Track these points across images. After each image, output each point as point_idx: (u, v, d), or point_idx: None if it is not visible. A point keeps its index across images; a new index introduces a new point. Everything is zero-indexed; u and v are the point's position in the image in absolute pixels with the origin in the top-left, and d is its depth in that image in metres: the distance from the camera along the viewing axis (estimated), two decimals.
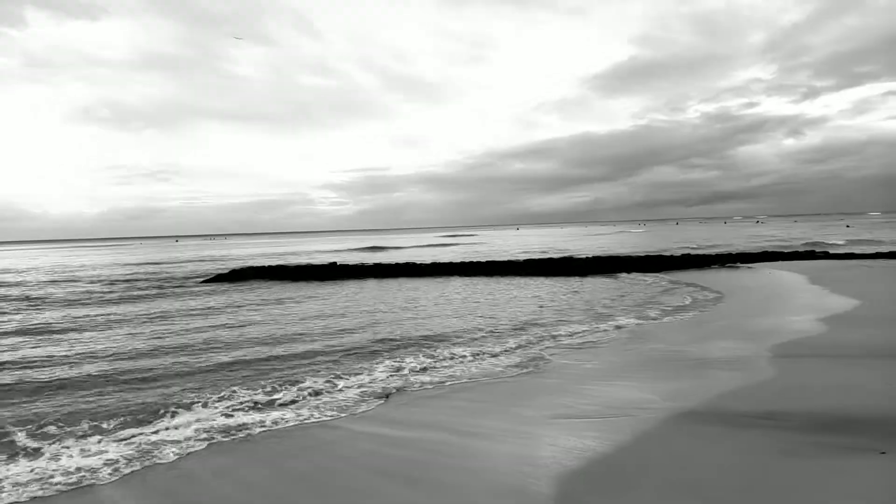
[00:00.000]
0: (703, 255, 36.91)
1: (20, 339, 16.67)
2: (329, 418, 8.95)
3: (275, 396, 10.16)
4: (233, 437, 8.20)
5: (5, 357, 14.14)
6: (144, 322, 19.36)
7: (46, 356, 14.05)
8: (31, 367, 12.97)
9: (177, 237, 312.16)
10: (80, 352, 14.51)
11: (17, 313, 22.35)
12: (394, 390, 10.40)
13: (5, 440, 8.34)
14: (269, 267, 37.65)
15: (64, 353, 14.32)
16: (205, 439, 8.15)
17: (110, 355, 13.96)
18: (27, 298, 27.58)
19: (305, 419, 8.93)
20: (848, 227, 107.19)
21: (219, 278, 35.79)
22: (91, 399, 10.33)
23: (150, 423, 8.91)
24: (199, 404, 9.75)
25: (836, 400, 8.36)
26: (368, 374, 11.54)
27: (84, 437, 8.35)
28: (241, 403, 9.80)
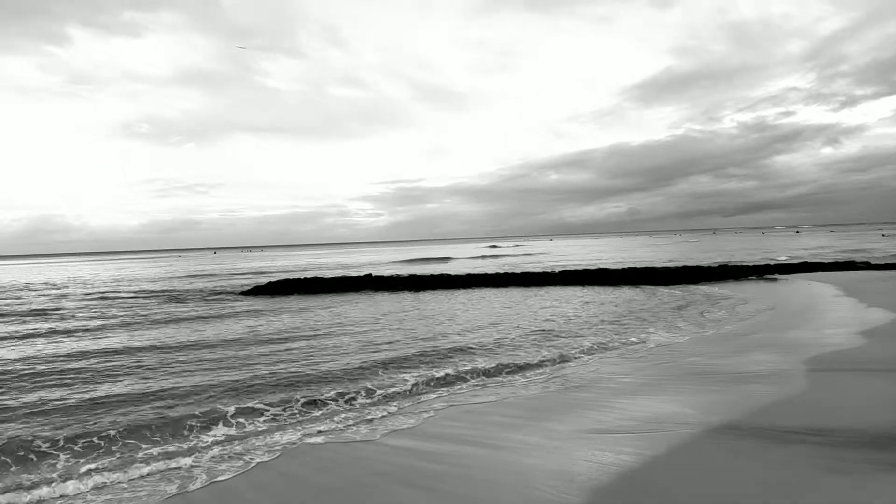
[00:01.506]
0: (741, 266, 36.34)
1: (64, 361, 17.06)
2: (360, 433, 9.02)
3: (307, 412, 10.31)
4: (269, 454, 8.34)
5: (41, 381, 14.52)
6: (181, 337, 19.71)
7: (84, 376, 14.43)
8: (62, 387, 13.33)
9: (215, 249, 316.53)
10: (116, 366, 14.88)
11: (67, 332, 22.89)
12: (426, 405, 10.49)
13: (36, 466, 8.60)
14: (305, 279, 38.04)
15: (100, 366, 14.71)
16: (239, 454, 8.32)
17: (142, 368, 14.26)
18: (73, 315, 28.29)
19: (337, 434, 9.03)
20: (884, 235, 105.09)
21: (256, 291, 36.33)
22: (126, 418, 10.59)
23: (185, 440, 9.03)
24: (234, 421, 9.91)
25: (880, 415, 8.15)
26: (402, 387, 11.63)
27: (121, 457, 8.48)
28: (275, 419, 9.97)
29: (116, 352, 16.55)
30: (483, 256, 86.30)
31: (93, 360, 15.27)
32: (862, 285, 25.47)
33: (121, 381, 12.92)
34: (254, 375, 13.01)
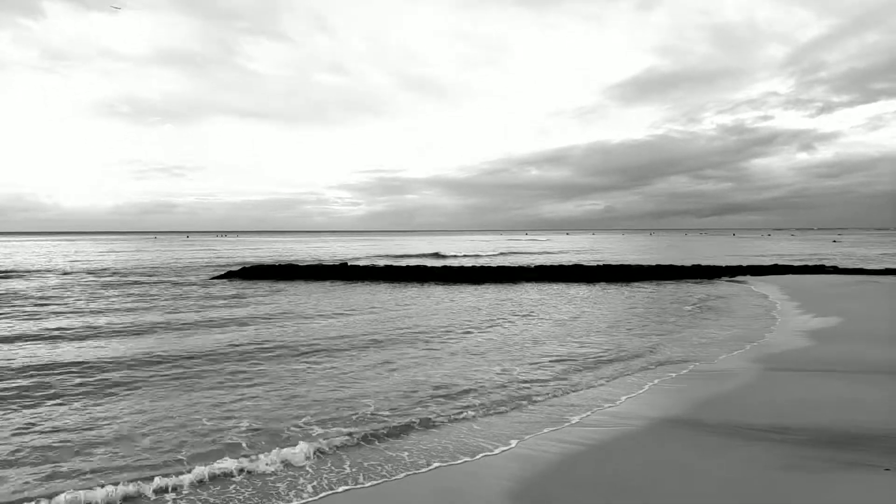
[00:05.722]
0: (713, 267, 36.91)
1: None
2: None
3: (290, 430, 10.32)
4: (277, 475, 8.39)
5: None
6: (148, 326, 19.48)
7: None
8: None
9: (188, 233, 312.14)
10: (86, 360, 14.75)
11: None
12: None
13: None
14: (280, 266, 37.80)
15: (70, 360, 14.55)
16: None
17: (108, 360, 14.17)
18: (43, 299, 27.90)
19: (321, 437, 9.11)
20: (835, 241, 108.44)
21: (230, 275, 36.08)
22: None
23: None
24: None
25: (837, 415, 8.39)
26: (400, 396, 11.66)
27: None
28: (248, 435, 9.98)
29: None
30: (507, 253, 75.92)
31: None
32: (822, 289, 25.90)
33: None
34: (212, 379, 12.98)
